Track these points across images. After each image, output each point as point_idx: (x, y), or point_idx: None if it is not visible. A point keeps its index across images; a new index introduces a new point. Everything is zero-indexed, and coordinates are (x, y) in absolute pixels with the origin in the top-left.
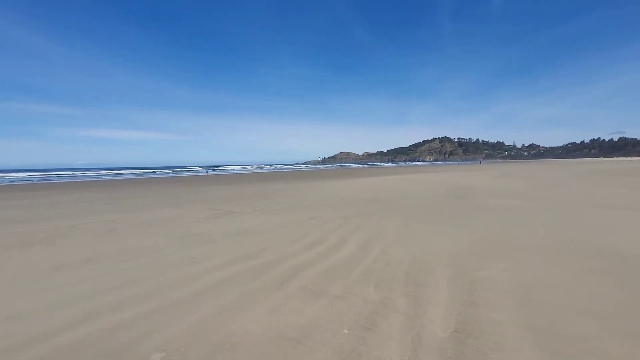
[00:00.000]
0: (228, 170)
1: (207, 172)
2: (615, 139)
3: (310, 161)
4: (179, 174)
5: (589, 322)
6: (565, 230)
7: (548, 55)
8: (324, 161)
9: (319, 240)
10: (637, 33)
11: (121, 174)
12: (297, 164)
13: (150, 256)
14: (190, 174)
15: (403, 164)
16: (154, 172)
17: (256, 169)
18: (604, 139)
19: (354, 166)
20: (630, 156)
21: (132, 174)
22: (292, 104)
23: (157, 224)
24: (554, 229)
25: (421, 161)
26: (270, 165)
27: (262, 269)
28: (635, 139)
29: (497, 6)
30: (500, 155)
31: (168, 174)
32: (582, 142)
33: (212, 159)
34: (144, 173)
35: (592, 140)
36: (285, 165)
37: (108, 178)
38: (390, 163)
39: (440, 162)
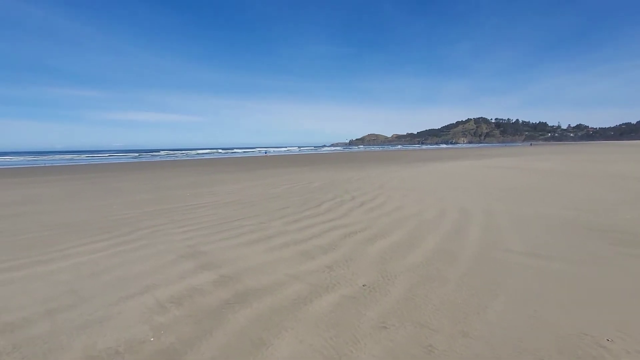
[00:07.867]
0: (285, 151)
1: (266, 153)
2: None
3: (337, 143)
4: (232, 155)
5: None
6: None
7: (605, 22)
8: (351, 143)
9: None
10: None
11: (160, 155)
12: (324, 146)
13: None
14: (248, 154)
15: (436, 146)
16: (198, 154)
17: (300, 150)
18: None
19: (391, 149)
20: None
21: (169, 155)
22: (318, 84)
23: None
24: None
25: (454, 144)
26: (302, 147)
27: None
28: None
29: None
30: (543, 137)
31: (221, 155)
32: (639, 122)
33: (231, 140)
34: (184, 155)
35: None
36: (328, 146)
37: (160, 159)
38: (421, 145)
39: (476, 145)
